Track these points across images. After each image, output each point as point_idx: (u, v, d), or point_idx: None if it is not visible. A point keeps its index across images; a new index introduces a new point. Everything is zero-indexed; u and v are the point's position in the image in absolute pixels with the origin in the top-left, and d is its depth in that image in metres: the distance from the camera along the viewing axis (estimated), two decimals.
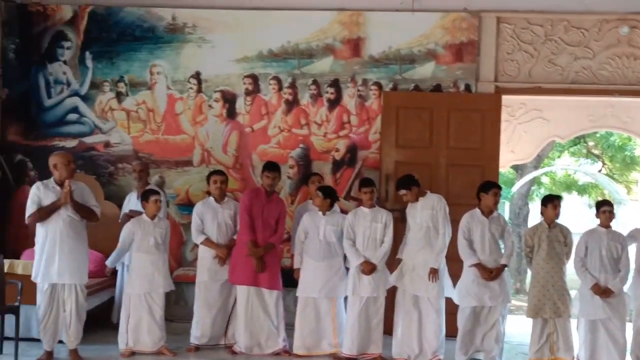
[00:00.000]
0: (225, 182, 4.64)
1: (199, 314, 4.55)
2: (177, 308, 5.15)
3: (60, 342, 4.46)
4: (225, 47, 5.35)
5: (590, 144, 9.35)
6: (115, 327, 4.69)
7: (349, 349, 4.44)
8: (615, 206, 4.88)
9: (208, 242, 4.53)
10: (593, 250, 4.41)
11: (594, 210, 4.63)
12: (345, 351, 4.46)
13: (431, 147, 5.17)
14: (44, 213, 4.15)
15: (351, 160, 5.25)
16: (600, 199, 5.26)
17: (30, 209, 4.23)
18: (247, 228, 4.40)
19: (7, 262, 4.64)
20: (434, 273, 4.33)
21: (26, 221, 4.29)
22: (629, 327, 4.51)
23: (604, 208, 4.49)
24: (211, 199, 4.64)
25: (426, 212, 4.41)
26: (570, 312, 4.53)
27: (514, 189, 8.51)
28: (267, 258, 4.43)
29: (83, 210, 4.21)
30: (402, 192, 4.44)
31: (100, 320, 5.00)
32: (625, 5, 5.09)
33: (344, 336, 4.52)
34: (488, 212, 4.42)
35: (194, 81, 5.37)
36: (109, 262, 4.69)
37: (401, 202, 4.51)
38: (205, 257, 4.61)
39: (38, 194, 4.19)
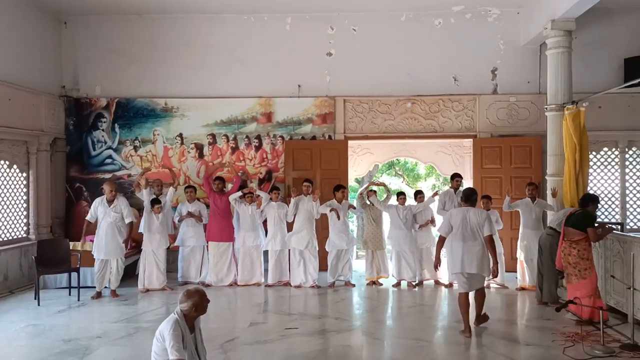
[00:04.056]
0: (194, 191, 8.04)
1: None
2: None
3: (106, 287, 7.33)
4: (196, 119, 9.04)
5: (397, 168, 15.01)
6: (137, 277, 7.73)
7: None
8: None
9: (182, 218, 7.85)
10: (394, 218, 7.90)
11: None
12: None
13: (312, 169, 8.94)
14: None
15: (269, 178, 9.03)
16: (398, 191, 8.70)
17: (89, 213, 7.24)
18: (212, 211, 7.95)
19: (72, 243, 7.59)
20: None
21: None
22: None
23: (401, 196, 7.98)
24: (187, 202, 8.06)
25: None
26: (385, 247, 7.86)
27: (357, 194, 13.04)
28: None
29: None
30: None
31: (128, 271, 7.87)
32: (409, 91, 9.08)
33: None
34: (340, 202, 7.87)
35: (178, 139, 9.10)
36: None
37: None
38: (182, 231, 7.92)
39: (95, 204, 7.28)
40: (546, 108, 7.82)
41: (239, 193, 7.92)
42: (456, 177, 8.12)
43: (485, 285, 5.94)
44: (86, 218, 7.32)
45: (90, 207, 7.41)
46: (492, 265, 5.56)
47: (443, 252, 5.76)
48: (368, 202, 8.04)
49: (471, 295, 5.69)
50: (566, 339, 5.28)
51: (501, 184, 8.88)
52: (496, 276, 5.76)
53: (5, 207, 8.02)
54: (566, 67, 7.57)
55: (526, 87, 9.10)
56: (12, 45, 8.09)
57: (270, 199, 8.01)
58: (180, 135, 9.10)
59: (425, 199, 8.10)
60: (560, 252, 6.09)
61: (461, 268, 5.51)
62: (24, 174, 8.44)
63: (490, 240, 5.54)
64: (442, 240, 5.69)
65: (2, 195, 7.97)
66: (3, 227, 7.98)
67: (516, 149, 8.90)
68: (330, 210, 7.79)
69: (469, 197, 5.67)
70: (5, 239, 7.99)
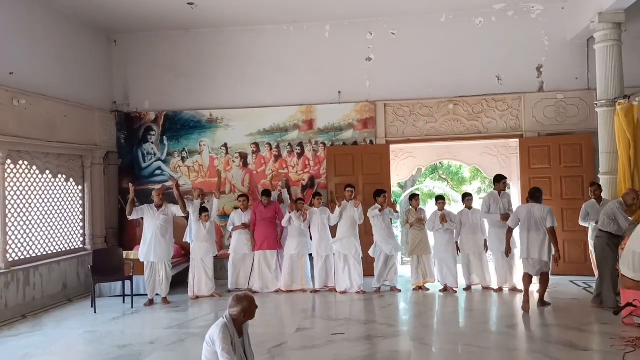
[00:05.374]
0: (247, 200, 8.33)
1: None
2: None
3: (157, 294, 7.55)
4: (240, 128, 9.28)
5: (441, 172, 14.76)
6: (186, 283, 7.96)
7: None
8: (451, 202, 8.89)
9: (236, 227, 8.12)
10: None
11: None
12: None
13: (354, 175, 8.99)
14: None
15: (311, 185, 9.13)
16: (437, 194, 8.55)
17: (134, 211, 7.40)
18: (254, 221, 8.09)
19: (124, 252, 7.91)
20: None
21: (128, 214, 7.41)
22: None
23: (440, 201, 7.96)
24: (239, 210, 8.35)
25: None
26: (431, 252, 7.81)
27: (402, 198, 12.82)
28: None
29: (182, 201, 7.46)
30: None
31: (178, 280, 8.26)
32: (450, 92, 8.99)
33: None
34: (381, 207, 7.79)
35: (223, 148, 9.36)
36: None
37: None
38: (235, 238, 8.12)
39: (144, 208, 7.54)
40: (596, 104, 7.58)
41: (289, 216, 7.98)
42: (503, 180, 7.86)
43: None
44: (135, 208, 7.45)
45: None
46: (554, 253, 6.47)
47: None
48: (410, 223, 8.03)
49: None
50: (626, 344, 5.05)
51: (550, 184, 8.64)
52: (557, 262, 6.60)
53: (63, 219, 8.45)
54: (616, 60, 7.30)
55: (574, 83, 8.83)
56: (67, 64, 8.55)
57: (313, 204, 8.17)
58: (225, 145, 9.35)
59: (474, 202, 8.10)
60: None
61: (527, 254, 6.59)
62: (80, 187, 8.87)
63: (552, 232, 6.45)
64: (510, 231, 6.86)
65: (61, 208, 8.40)
66: (62, 239, 8.39)
67: (565, 147, 8.65)
68: (380, 210, 7.81)
69: (533, 195, 6.67)
70: (64, 249, 8.40)
